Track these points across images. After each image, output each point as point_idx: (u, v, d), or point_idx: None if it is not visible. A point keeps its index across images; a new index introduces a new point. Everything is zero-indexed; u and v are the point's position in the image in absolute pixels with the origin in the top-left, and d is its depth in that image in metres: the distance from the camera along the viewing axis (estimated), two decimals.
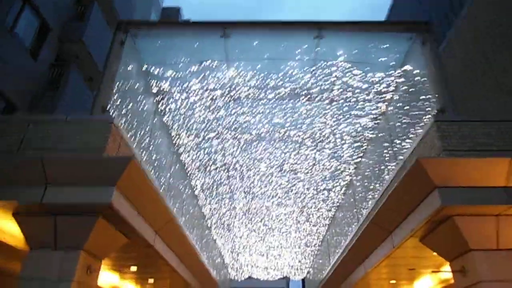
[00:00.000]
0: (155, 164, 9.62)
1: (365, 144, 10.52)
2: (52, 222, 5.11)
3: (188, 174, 12.49)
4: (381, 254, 8.56)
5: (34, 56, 12.02)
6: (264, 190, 13.48)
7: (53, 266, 5.02)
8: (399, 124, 8.92)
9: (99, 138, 5.82)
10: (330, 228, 16.78)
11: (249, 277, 26.36)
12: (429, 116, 6.69)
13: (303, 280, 28.80)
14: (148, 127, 8.92)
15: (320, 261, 21.01)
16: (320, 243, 18.99)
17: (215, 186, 13.42)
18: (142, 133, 8.51)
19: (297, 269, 24.17)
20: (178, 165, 11.60)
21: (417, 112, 7.92)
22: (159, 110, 9.32)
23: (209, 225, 16.90)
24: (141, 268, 9.78)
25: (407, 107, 8.38)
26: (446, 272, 6.64)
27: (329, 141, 10.45)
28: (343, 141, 10.40)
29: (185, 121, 9.74)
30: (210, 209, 15.11)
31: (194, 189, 13.53)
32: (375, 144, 10.35)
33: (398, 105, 8.79)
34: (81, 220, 5.15)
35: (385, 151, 9.88)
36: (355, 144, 10.53)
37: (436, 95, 6.53)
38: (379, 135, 9.99)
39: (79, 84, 13.54)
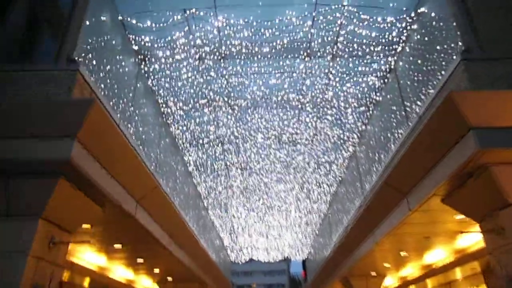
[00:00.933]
0: (143, 137, 8.68)
1: (371, 108, 9.56)
2: (3, 184, 4.18)
3: (180, 149, 11.56)
4: (392, 223, 7.73)
5: None
6: (262, 165, 12.58)
7: (6, 236, 4.11)
8: (411, 82, 7.96)
9: (62, 89, 4.85)
10: (332, 205, 15.98)
11: (250, 260, 25.78)
12: (445, 72, 5.75)
13: (303, 261, 28.26)
14: (131, 94, 7.93)
15: (321, 240, 20.34)
16: (321, 221, 18.25)
17: (209, 162, 12.51)
18: (125, 101, 7.52)
19: (298, 249, 23.55)
20: (167, 139, 10.64)
21: (431, 67, 6.96)
22: (142, 72, 8.30)
23: (205, 205, 16.07)
24: (128, 246, 8.96)
25: (420, 61, 7.40)
26: (474, 232, 5.73)
27: (332, 106, 9.49)
28: (347, 106, 9.44)
29: (172, 86, 8.73)
30: (206, 187, 14.24)
31: (188, 166, 12.62)
32: (383, 108, 9.40)
33: (410, 59, 7.80)
34: (39, 182, 4.21)
35: (393, 116, 8.96)
36: (360, 109, 9.58)
37: (459, 33, 5.54)
38: (388, 96, 9.03)
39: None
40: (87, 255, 8.94)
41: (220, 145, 11.52)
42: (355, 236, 12.05)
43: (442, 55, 6.47)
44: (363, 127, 10.38)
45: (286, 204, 16.19)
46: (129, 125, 7.61)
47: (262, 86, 8.70)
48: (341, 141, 11.08)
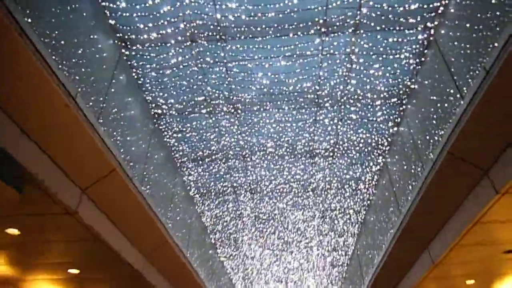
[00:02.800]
0: (131, 150, 7.12)
1: (404, 99, 7.81)
2: None
3: (177, 166, 9.89)
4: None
5: None
6: (275, 185, 10.67)
7: None
8: (456, 59, 6.31)
9: None
10: (361, 238, 13.58)
11: None
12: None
13: None
14: (110, 88, 6.51)
15: (350, 286, 17.43)
16: (348, 261, 15.61)
17: (212, 183, 10.71)
18: (101, 99, 6.08)
19: None
20: (161, 152, 9.04)
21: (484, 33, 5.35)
22: (122, 45, 6.86)
23: (212, 242, 13.94)
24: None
25: (469, 25, 5.80)
26: None
27: (355, 98, 7.80)
28: (374, 97, 7.73)
29: (160, 77, 7.31)
30: (211, 217, 12.27)
31: (188, 189, 10.84)
32: (420, 99, 7.63)
33: (455, 23, 6.20)
34: None
35: (432, 109, 7.19)
36: (391, 101, 7.83)
37: None
38: (425, 82, 7.31)
39: None
40: None
41: (224, 160, 9.80)
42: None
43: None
44: (395, 128, 8.54)
45: (306, 238, 13.87)
46: (107, 121, 6.09)
47: (269, 72, 7.16)
48: (368, 149, 9.19)
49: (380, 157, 9.53)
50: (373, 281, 12.39)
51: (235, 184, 10.84)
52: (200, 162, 9.88)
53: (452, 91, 6.60)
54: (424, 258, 9.03)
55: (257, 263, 16.14)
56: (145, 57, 6.81)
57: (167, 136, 8.83)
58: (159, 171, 8.92)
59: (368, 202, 11.48)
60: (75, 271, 6.54)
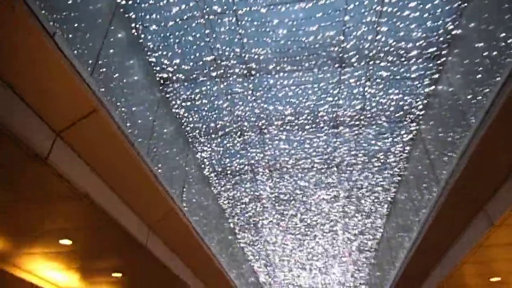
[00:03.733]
0: (136, 121, 6.37)
1: (445, 48, 6.66)
2: None
3: (189, 141, 9.10)
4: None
5: None
6: (295, 160, 9.72)
7: None
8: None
9: None
10: (390, 219, 12.46)
11: None
12: None
13: None
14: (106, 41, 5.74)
15: (378, 273, 16.32)
16: (377, 245, 14.51)
17: (228, 160, 9.87)
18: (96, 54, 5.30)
19: (350, 287, 19.34)
20: (170, 125, 8.27)
21: None
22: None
23: (232, 227, 13.17)
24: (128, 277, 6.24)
25: None
26: None
27: (386, 51, 6.72)
28: (408, 47, 6.62)
29: (160, 30, 6.47)
30: (228, 199, 11.46)
31: (202, 167, 10.04)
32: (464, 48, 6.47)
33: None
34: None
35: (479, 60, 6.06)
36: (428, 51, 6.70)
37: None
38: (471, 25, 6.16)
39: None
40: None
41: (239, 134, 8.93)
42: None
43: None
44: (432, 87, 7.41)
45: (331, 221, 12.86)
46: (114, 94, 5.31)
47: (286, 19, 6.19)
48: (401, 112, 8.09)
49: (413, 124, 8.41)
50: (405, 266, 11.28)
51: (252, 161, 9.96)
52: (213, 136, 9.04)
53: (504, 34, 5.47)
54: (469, 235, 7.91)
55: (279, 249, 15.27)
56: (143, 6, 5.98)
57: (175, 106, 8.03)
58: (169, 147, 8.16)
59: (399, 178, 10.35)
60: (67, 241, 5.79)
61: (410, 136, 8.75)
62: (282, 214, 12.46)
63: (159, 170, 6.94)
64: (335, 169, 10.10)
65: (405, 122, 8.29)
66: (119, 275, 7.71)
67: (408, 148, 9.10)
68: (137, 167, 5.67)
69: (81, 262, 6.62)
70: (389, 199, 11.33)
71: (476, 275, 8.79)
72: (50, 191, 4.30)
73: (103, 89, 4.91)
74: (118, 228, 5.77)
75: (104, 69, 5.41)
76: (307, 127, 8.47)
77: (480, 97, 5.99)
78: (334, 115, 8.34)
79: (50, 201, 4.64)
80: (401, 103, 7.79)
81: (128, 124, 5.79)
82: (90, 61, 4.92)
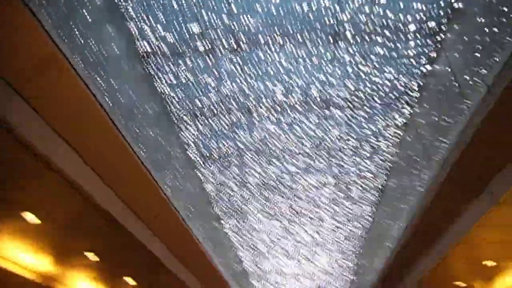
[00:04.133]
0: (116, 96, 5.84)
1: (444, 24, 6.31)
2: None
3: (173, 120, 8.60)
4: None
5: None
6: (285, 143, 9.33)
7: None
8: None
9: None
10: (379, 207, 12.26)
11: None
12: None
13: None
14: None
15: (366, 262, 16.22)
16: (365, 234, 14.33)
17: (214, 142, 9.42)
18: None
19: (337, 276, 19.25)
20: (154, 104, 7.76)
21: None
22: None
23: (217, 213, 12.76)
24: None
25: None
26: None
27: (383, 25, 6.34)
28: (406, 20, 6.24)
29: None
30: (215, 183, 11.02)
31: (186, 149, 9.57)
32: (464, 23, 6.13)
33: None
34: None
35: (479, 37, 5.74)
36: (428, 26, 6.33)
37: None
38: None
39: None
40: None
41: (226, 114, 8.47)
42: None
43: None
44: (428, 66, 7.08)
45: (319, 208, 12.58)
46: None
47: None
48: (395, 93, 7.75)
49: (408, 107, 8.09)
50: (394, 257, 11.11)
51: (239, 144, 9.54)
52: (199, 116, 8.57)
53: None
54: (456, 228, 7.74)
55: (265, 237, 14.96)
56: None
57: (159, 82, 7.51)
58: (152, 126, 7.65)
59: (389, 164, 10.08)
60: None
61: (403, 120, 8.44)
62: (269, 201, 12.10)
63: (142, 152, 6.48)
64: (324, 153, 9.76)
65: (399, 104, 7.96)
66: (96, 258, 7.25)
67: (401, 132, 8.80)
68: (117, 145, 5.22)
69: (51, 242, 6.14)
70: (379, 186, 11.08)
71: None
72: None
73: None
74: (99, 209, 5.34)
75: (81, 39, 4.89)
76: (297, 107, 8.06)
77: (479, 78, 5.68)
78: (326, 96, 7.96)
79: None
80: (396, 83, 7.45)
81: (106, 99, 5.29)
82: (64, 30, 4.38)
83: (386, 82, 7.40)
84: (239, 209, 12.66)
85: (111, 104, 5.29)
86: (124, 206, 6.73)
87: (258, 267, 18.09)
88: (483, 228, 6.94)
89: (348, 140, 9.31)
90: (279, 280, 19.88)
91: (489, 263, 8.20)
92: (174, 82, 7.54)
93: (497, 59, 5.12)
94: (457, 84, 6.41)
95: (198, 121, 8.68)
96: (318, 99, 8.09)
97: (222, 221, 13.29)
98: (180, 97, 7.97)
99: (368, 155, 9.70)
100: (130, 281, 8.99)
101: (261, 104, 8.17)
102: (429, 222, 8.12)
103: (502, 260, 8.27)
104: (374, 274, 13.87)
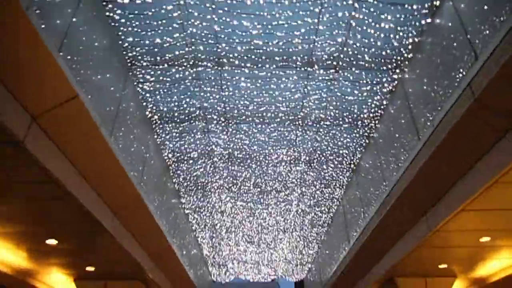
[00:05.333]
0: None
1: None
2: None
3: (127, 63, 7.06)
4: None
5: None
6: (257, 106, 8.08)
7: None
8: None
9: None
10: (349, 190, 11.40)
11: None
12: None
13: (299, 282, 22.71)
14: None
15: (327, 251, 15.43)
16: (330, 220, 13.49)
17: (175, 99, 7.97)
18: None
19: (296, 264, 18.42)
20: (104, 39, 6.19)
21: None
22: None
23: (176, 188, 11.30)
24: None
25: None
26: None
27: None
28: None
29: None
30: (174, 151, 9.57)
31: (143, 104, 8.04)
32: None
33: None
34: None
35: None
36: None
37: None
38: None
39: None
40: None
41: (192, 63, 7.06)
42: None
43: None
44: (428, 19, 6.11)
45: (287, 188, 11.52)
46: None
47: None
48: (387, 51, 6.73)
49: (397, 70, 7.13)
50: (361, 245, 10.14)
51: (205, 104, 8.16)
52: (159, 62, 7.09)
53: None
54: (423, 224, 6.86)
55: (227, 219, 13.71)
56: None
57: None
58: (101, 69, 6.10)
59: (366, 140, 9.16)
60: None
61: (390, 87, 7.49)
62: (235, 177, 10.85)
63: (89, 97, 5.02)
64: (300, 123, 8.63)
65: (388, 66, 6.97)
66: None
67: (385, 101, 7.86)
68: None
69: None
70: (352, 166, 10.17)
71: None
72: None
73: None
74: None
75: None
76: (277, 59, 6.83)
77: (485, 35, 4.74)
78: (309, 50, 6.80)
79: None
80: (389, 40, 6.42)
81: None
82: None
83: (379, 37, 6.35)
84: (201, 185, 11.29)
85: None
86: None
87: (216, 253, 16.81)
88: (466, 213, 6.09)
89: (328, 108, 8.24)
90: (240, 269, 18.78)
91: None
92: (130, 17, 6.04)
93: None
94: (454, 44, 5.46)
95: (158, 68, 7.20)
96: (300, 53, 6.91)
97: (181, 198, 11.85)
98: (136, 37, 6.47)
99: (346, 127, 8.70)
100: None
101: (232, 52, 6.84)
102: (402, 209, 7.21)
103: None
104: (334, 265, 13.02)
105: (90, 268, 8.22)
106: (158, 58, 6.86)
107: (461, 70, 5.12)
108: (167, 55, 6.78)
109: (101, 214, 6.40)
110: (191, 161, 9.92)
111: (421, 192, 6.39)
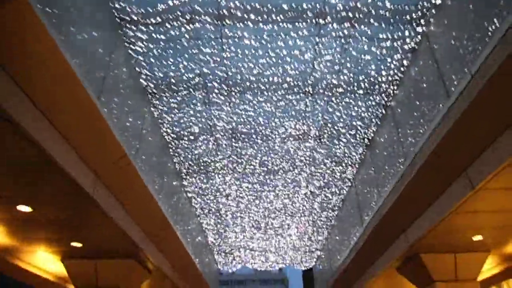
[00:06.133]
0: None
1: None
2: None
3: (120, 25, 6.22)
4: None
5: None
6: (261, 71, 7.19)
7: None
8: None
9: None
10: (362, 169, 10.51)
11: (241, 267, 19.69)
12: None
13: (307, 271, 21.84)
14: None
15: (338, 237, 14.58)
16: (341, 203, 12.62)
17: (171, 66, 7.11)
18: None
19: (305, 252, 17.62)
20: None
21: None
22: None
23: (177, 169, 10.51)
24: None
25: None
26: None
27: None
28: None
29: None
30: (172, 124, 8.73)
31: (137, 71, 7.21)
32: None
33: None
34: None
35: None
36: None
37: None
38: None
39: None
40: None
41: (191, 22, 6.19)
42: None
43: None
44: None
45: (295, 168, 10.65)
46: None
47: None
48: (410, 6, 5.79)
49: (422, 22, 6.19)
50: (372, 229, 9.22)
51: (205, 70, 7.29)
52: (151, 26, 6.24)
53: None
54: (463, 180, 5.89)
55: (232, 204, 12.90)
56: None
57: None
58: (89, 27, 5.28)
59: (383, 111, 8.24)
60: None
61: (413, 43, 6.55)
62: (239, 155, 9.99)
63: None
64: (310, 90, 7.73)
65: (413, 16, 6.03)
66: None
67: (406, 63, 6.93)
68: None
69: None
70: (366, 140, 9.27)
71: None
72: None
73: None
74: None
75: None
76: (285, 8, 5.93)
77: None
78: (322, 5, 5.89)
79: None
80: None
81: None
82: None
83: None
84: (204, 165, 10.47)
85: None
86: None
87: (222, 240, 16.06)
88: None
89: (341, 73, 7.32)
90: (247, 257, 18.03)
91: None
92: None
93: None
94: None
95: (149, 30, 6.35)
96: (312, 9, 6.00)
97: (183, 180, 11.06)
98: None
99: (362, 95, 7.78)
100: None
101: (237, 11, 5.96)
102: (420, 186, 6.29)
103: None
104: (345, 251, 12.17)
105: (76, 244, 7.36)
106: (150, 9, 5.99)
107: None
108: (160, 5, 5.90)
109: (82, 175, 5.58)
110: (191, 137, 9.08)
111: (459, 148, 5.42)
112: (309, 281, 22.25)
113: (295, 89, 7.57)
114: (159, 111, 8.15)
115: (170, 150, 9.58)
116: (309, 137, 9.23)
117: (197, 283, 15.47)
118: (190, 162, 10.12)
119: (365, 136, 9.03)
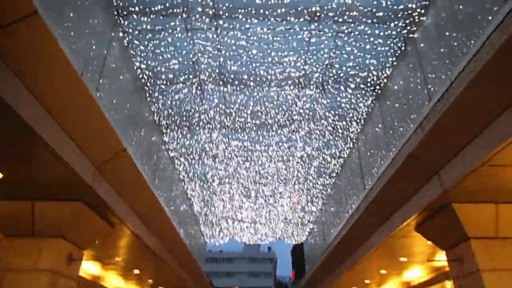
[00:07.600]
0: None
1: None
2: None
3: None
4: None
5: None
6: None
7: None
8: None
9: None
10: (364, 130, 9.07)
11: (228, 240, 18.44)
12: None
13: (297, 246, 20.69)
14: None
15: (334, 208, 13.30)
16: (340, 168, 11.25)
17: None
18: None
19: (297, 224, 16.40)
20: None
21: None
22: None
23: (155, 119, 8.94)
24: None
25: None
26: None
27: None
28: None
29: None
30: (147, 57, 7.11)
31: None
32: None
33: None
34: None
35: None
36: None
37: None
38: None
39: None
40: None
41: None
42: None
43: None
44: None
45: (293, 123, 9.17)
46: None
47: None
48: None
49: (408, 28, 4.61)
50: (374, 196, 7.58)
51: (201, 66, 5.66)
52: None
53: None
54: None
55: (219, 166, 11.47)
56: None
57: None
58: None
59: (402, 46, 6.73)
60: None
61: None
62: (228, 103, 8.46)
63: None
64: (316, 16, 6.14)
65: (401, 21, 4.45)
66: None
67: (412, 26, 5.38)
68: None
69: None
70: (377, 88, 7.81)
71: None
72: None
73: None
74: None
75: None
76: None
77: None
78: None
79: None
80: None
81: None
82: None
83: None
84: (185, 115, 8.93)
85: None
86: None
87: (208, 209, 14.70)
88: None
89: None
90: (235, 229, 16.77)
91: None
92: None
93: None
94: None
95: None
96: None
97: (164, 135, 9.51)
98: None
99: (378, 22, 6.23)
100: None
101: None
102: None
103: None
104: (340, 225, 10.85)
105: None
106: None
107: None
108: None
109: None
110: (171, 76, 7.49)
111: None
112: (299, 258, 21.29)
113: (299, 9, 5.97)
114: (130, 36, 6.51)
115: (146, 94, 8.00)
116: (311, 82, 7.71)
117: (182, 254, 14.15)
118: (170, 110, 8.56)
119: (377, 80, 7.55)
